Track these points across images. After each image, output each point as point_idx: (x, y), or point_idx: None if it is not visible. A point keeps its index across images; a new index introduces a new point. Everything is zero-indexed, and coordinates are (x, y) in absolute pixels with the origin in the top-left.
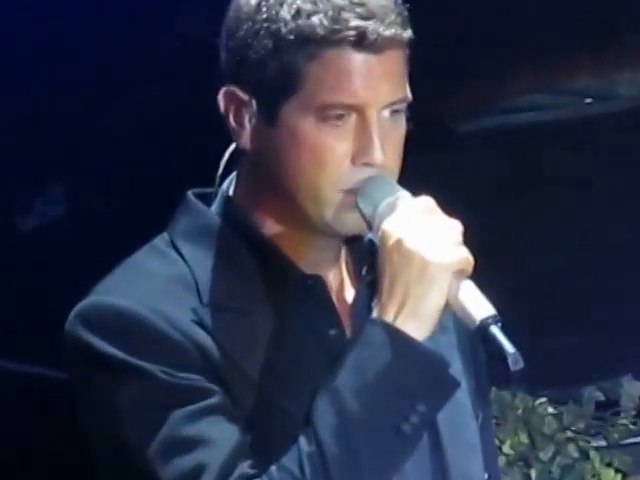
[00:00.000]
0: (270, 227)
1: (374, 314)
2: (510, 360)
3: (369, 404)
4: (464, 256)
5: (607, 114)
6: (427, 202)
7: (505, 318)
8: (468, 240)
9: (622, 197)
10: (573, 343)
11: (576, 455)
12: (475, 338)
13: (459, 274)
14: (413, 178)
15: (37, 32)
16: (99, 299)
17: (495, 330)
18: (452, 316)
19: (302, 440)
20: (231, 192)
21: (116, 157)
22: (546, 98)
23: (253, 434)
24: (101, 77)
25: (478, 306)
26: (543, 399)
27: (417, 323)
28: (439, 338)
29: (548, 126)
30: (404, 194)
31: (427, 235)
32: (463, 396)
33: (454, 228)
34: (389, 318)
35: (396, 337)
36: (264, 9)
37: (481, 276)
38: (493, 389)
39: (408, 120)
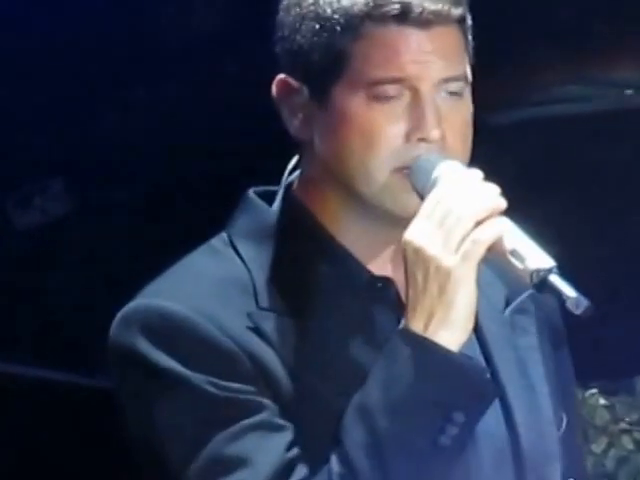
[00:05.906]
0: (332, 222)
1: (402, 325)
2: (572, 304)
3: (401, 421)
4: (491, 204)
5: None
6: (470, 173)
7: None
8: None
9: None
10: (624, 331)
11: (631, 447)
12: (559, 338)
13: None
14: None
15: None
16: (146, 301)
17: (553, 278)
18: (534, 317)
19: (333, 460)
20: (294, 188)
21: (121, 150)
22: (583, 89)
23: (308, 443)
24: (103, 71)
25: (531, 258)
26: (593, 390)
27: (450, 331)
28: (518, 340)
29: (585, 119)
30: (445, 165)
31: (449, 234)
32: (544, 401)
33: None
34: (418, 328)
35: (426, 348)
36: None
37: None
38: None
39: None
